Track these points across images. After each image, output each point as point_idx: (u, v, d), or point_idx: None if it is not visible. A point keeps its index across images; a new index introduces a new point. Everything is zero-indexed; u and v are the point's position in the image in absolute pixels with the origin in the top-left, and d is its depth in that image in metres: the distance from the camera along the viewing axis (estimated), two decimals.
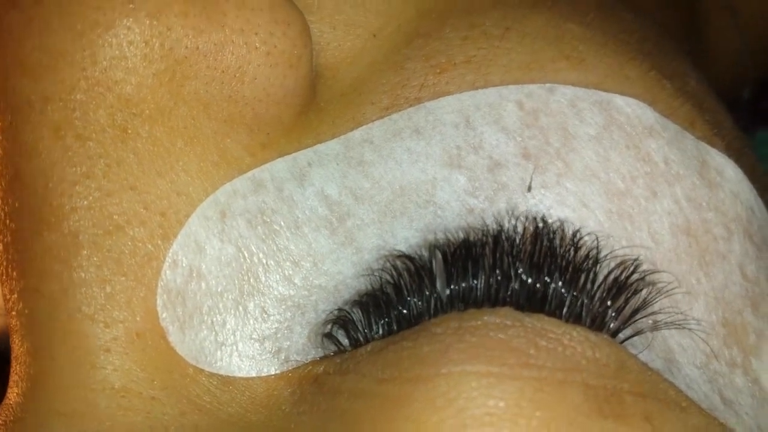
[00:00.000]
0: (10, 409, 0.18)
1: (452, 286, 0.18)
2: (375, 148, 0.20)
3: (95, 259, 0.18)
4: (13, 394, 0.19)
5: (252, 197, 0.19)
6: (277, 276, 0.19)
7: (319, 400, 0.18)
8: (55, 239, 0.18)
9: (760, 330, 0.20)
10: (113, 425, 0.17)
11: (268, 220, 0.19)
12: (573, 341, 0.17)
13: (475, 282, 0.18)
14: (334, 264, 0.19)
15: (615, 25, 0.22)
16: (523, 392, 0.16)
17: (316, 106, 0.21)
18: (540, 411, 0.16)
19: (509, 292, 0.18)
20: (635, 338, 0.19)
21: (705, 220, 0.20)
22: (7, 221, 0.18)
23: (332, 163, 0.20)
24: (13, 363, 0.19)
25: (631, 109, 0.20)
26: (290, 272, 0.19)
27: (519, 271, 0.18)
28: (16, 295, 0.18)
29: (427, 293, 0.19)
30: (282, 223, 0.19)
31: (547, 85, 0.20)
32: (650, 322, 0.19)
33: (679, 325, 0.19)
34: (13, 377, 0.19)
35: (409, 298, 0.19)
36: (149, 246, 0.18)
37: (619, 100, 0.20)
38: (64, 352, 0.18)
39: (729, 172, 0.21)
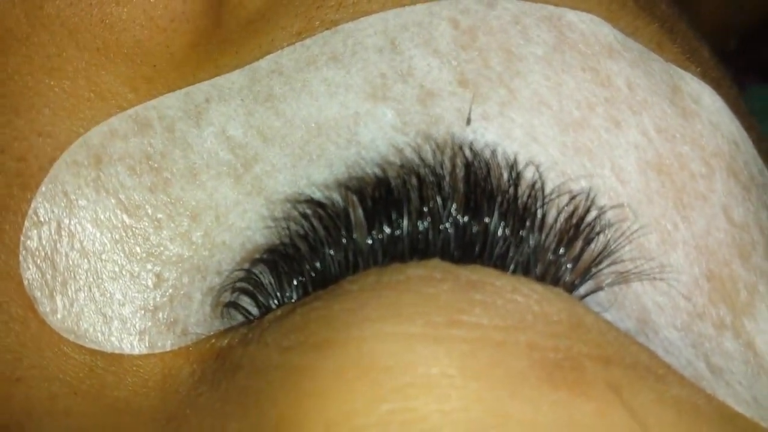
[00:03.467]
0: None
1: (373, 235, 0.15)
2: (285, 80, 0.17)
3: None
4: None
5: (134, 139, 0.16)
6: (171, 233, 0.16)
7: (219, 378, 0.15)
8: None
9: (751, 284, 0.17)
10: None
11: (157, 166, 0.16)
12: (516, 294, 0.14)
13: (399, 230, 0.15)
14: (240, 218, 0.16)
15: None
16: (452, 357, 0.13)
17: (217, 37, 0.18)
18: (474, 380, 0.13)
19: (440, 241, 0.15)
20: (599, 294, 0.16)
21: (679, 155, 0.17)
22: None
23: (235, 98, 0.17)
24: None
25: (586, 26, 0.17)
26: (186, 228, 0.16)
27: (451, 213, 0.15)
28: None
29: (345, 245, 0.15)
30: (174, 170, 0.16)
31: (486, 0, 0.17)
32: (615, 273, 0.16)
33: (652, 275, 0.16)
34: None
35: (324, 251, 0.16)
36: (5, 198, 0.15)
37: (572, 15, 0.17)
38: None
39: (706, 100, 0.18)
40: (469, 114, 0.16)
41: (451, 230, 0.15)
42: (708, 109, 0.18)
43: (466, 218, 0.15)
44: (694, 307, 0.17)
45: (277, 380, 0.14)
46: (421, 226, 0.15)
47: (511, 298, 0.14)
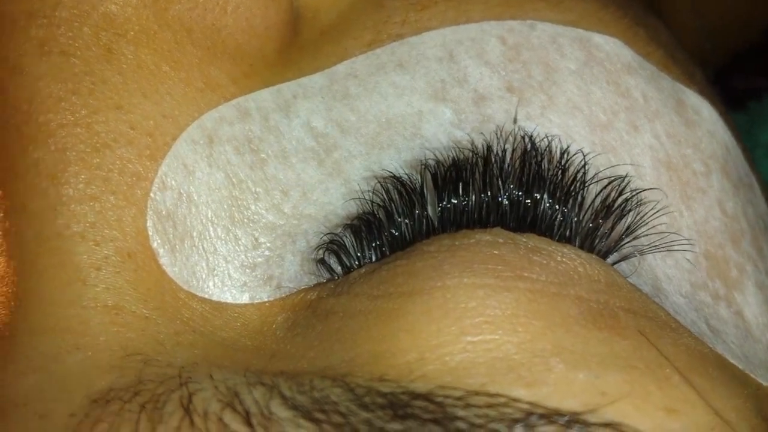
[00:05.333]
0: None
1: (443, 205, 0.19)
2: (360, 82, 0.20)
3: (83, 176, 0.18)
4: None
5: (238, 125, 0.19)
6: (267, 204, 0.19)
7: (313, 323, 0.18)
8: (41, 156, 0.18)
9: (741, 265, 0.21)
10: (107, 341, 0.17)
11: (256, 148, 0.19)
12: (565, 257, 0.18)
13: (466, 203, 0.18)
14: (323, 194, 0.19)
15: None
16: (519, 302, 0.16)
17: (297, 44, 0.21)
18: (537, 320, 0.16)
19: (499, 213, 0.18)
20: (622, 263, 0.19)
21: (684, 156, 0.21)
22: None
23: (317, 96, 0.20)
24: None
25: (610, 47, 0.21)
26: (279, 201, 0.19)
27: (509, 191, 0.18)
28: (1, 214, 0.18)
29: (418, 214, 0.19)
30: (269, 152, 0.19)
31: (528, 21, 0.20)
32: (637, 245, 0.19)
33: (667, 248, 0.20)
34: None
35: (399, 220, 0.19)
36: (138, 166, 0.18)
37: (598, 38, 0.21)
38: (53, 270, 0.18)
39: (705, 112, 0.22)
40: (516, 115, 0.20)
41: (507, 203, 0.18)
42: (706, 120, 0.22)
43: (520, 194, 0.18)
44: (695, 279, 0.20)
45: (372, 321, 0.17)
46: (484, 199, 0.18)
47: (560, 261, 0.17)
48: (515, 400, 0.15)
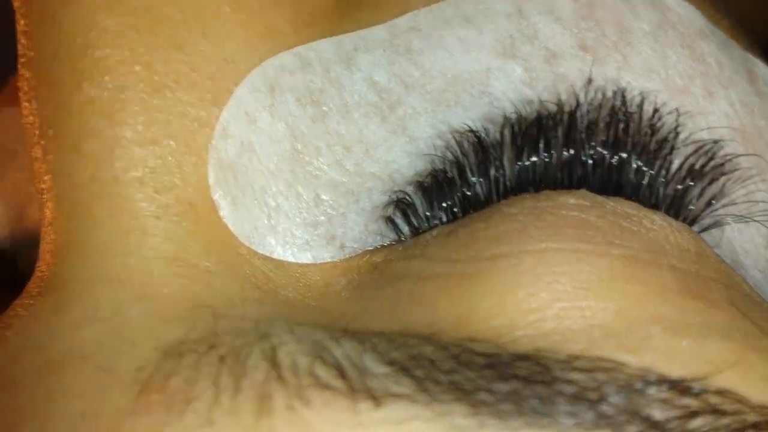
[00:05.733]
0: (42, 281, 0.17)
1: (521, 164, 0.18)
2: (423, 36, 0.19)
3: (142, 117, 0.17)
4: (44, 264, 0.17)
5: (300, 75, 0.18)
6: (329, 159, 0.18)
7: (382, 285, 0.17)
8: (97, 93, 0.16)
9: None
10: (172, 293, 0.16)
11: (317, 100, 0.18)
12: (655, 225, 0.17)
13: (547, 159, 0.18)
14: (387, 152, 0.18)
15: None
16: (615, 268, 0.16)
17: None
18: (633, 286, 0.15)
19: (582, 174, 0.18)
20: (704, 234, 0.19)
21: (758, 127, 0.20)
22: (41, 72, 0.17)
23: (378, 49, 0.19)
24: (45, 232, 0.17)
25: (682, 10, 0.20)
26: (341, 157, 0.18)
27: (594, 149, 0.18)
28: (52, 156, 0.17)
29: (494, 174, 0.18)
30: (331, 105, 0.18)
31: None
32: (722, 215, 0.18)
33: (750, 219, 0.19)
34: (45, 246, 0.17)
35: (473, 179, 0.18)
36: (200, 111, 0.17)
37: (670, 1, 0.20)
38: (110, 217, 0.16)
39: None
40: (591, 74, 0.19)
41: (591, 163, 0.18)
42: None
43: (605, 152, 0.18)
44: None
45: (452, 284, 0.16)
46: (566, 157, 0.18)
47: (650, 228, 0.17)
48: (623, 364, 0.14)
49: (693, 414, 0.13)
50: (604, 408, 0.13)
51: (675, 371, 0.14)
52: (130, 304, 0.16)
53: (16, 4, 0.17)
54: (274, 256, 0.18)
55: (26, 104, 0.17)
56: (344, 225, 0.18)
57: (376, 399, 0.13)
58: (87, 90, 0.16)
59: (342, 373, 0.14)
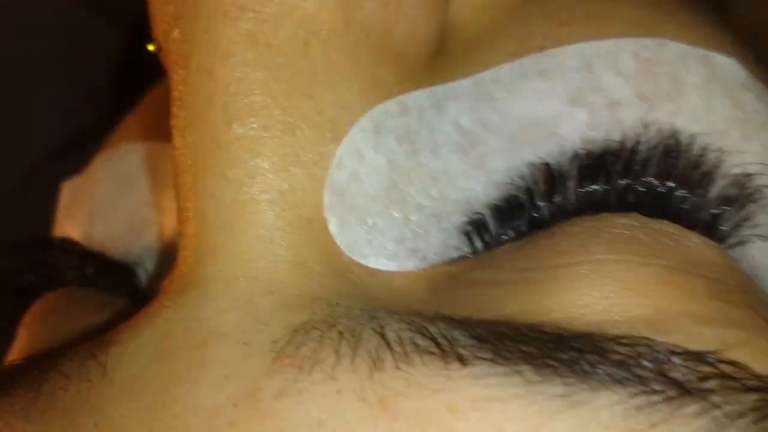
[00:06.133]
0: (185, 279, 0.20)
1: (584, 189, 0.21)
2: (503, 87, 0.22)
3: (278, 152, 0.20)
4: (184, 267, 0.21)
5: (400, 118, 0.22)
6: (418, 187, 0.22)
7: (456, 289, 0.21)
8: (243, 132, 0.20)
9: None
10: (295, 288, 0.20)
11: (412, 139, 0.22)
12: (691, 242, 0.20)
13: (606, 187, 0.21)
14: (466, 181, 0.22)
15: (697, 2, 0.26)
16: (658, 275, 0.19)
17: (445, 53, 0.23)
18: (669, 289, 0.19)
19: (634, 199, 0.21)
20: (730, 251, 0.22)
21: None
22: (197, 113, 0.21)
23: (465, 97, 0.22)
24: (185, 241, 0.21)
25: (728, 66, 0.23)
26: (428, 185, 0.22)
27: (645, 176, 0.21)
28: (201, 181, 0.21)
29: (559, 200, 0.21)
30: (423, 144, 0.22)
31: (659, 39, 0.23)
32: (746, 235, 0.22)
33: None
34: (186, 252, 0.21)
35: (541, 203, 0.21)
36: (322, 147, 0.21)
37: (718, 58, 0.23)
38: (246, 229, 0.20)
39: None
40: (646, 119, 0.22)
41: (643, 190, 0.21)
42: None
43: (656, 182, 0.21)
44: None
45: (519, 288, 0.19)
46: (622, 184, 0.21)
47: (688, 245, 0.20)
48: (656, 342, 0.17)
49: (707, 377, 0.17)
50: (638, 370, 0.17)
51: (696, 347, 0.18)
52: (262, 296, 0.20)
53: (172, 58, 0.21)
54: (369, 264, 0.21)
55: (180, 139, 0.21)
56: (427, 241, 0.22)
57: (464, 360, 0.17)
58: (235, 128, 0.20)
59: (436, 343, 0.18)
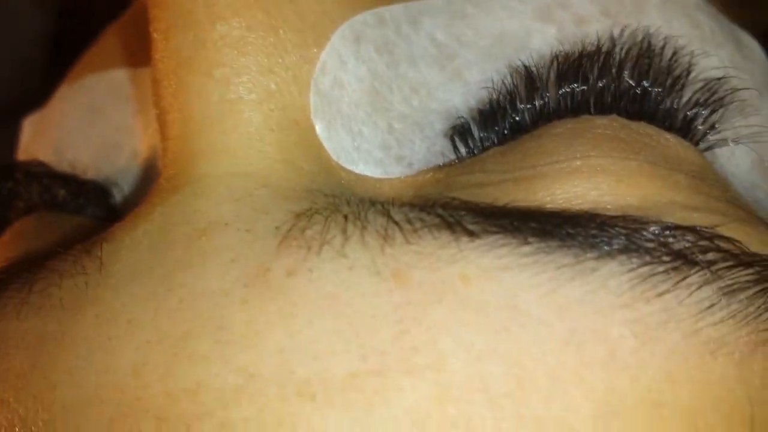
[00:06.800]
0: (175, 179, 0.21)
1: (563, 92, 0.22)
2: (475, 4, 0.23)
3: (262, 51, 0.21)
4: (171, 168, 0.21)
5: (378, 29, 0.22)
6: (399, 97, 0.22)
7: (445, 193, 0.21)
8: (228, 31, 0.20)
9: None
10: (290, 182, 0.20)
11: (391, 50, 0.22)
12: (669, 143, 0.21)
13: (584, 88, 0.22)
14: (445, 93, 0.23)
15: None
16: (642, 167, 0.20)
17: None
18: (654, 180, 0.20)
19: (612, 101, 0.22)
20: (706, 153, 0.23)
21: (744, 80, 0.25)
22: (180, 15, 0.21)
23: (439, 14, 0.23)
24: (169, 144, 0.21)
25: None
26: (409, 95, 0.22)
27: (623, 77, 0.22)
28: (188, 80, 0.21)
29: (539, 102, 0.22)
30: (401, 55, 0.23)
31: None
32: (721, 138, 0.23)
33: (753, 140, 0.23)
34: (171, 155, 0.21)
35: (521, 106, 0.22)
36: (305, 50, 0.21)
37: None
38: (235, 128, 0.20)
39: (757, 51, 0.26)
40: (612, 33, 0.23)
41: (620, 91, 0.22)
42: (759, 58, 0.26)
43: (632, 82, 0.22)
44: (753, 179, 0.24)
45: (510, 186, 0.20)
46: (599, 85, 0.22)
47: (666, 145, 0.21)
48: (654, 220, 0.18)
49: (708, 249, 0.18)
50: (642, 241, 0.18)
51: (690, 223, 0.18)
52: (258, 188, 0.20)
53: None
54: (356, 170, 0.22)
55: (162, 41, 0.21)
56: (411, 148, 0.22)
57: (473, 234, 0.18)
58: (220, 28, 0.21)
59: (445, 220, 0.18)
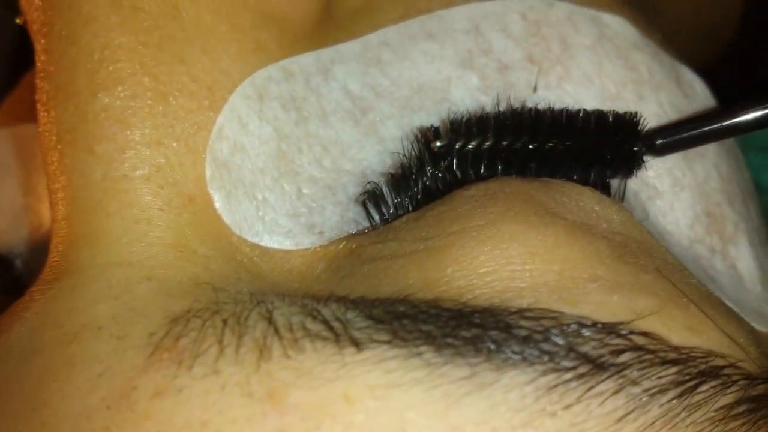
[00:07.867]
0: (57, 268, 0.19)
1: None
2: (392, 50, 0.22)
3: (150, 122, 0.19)
4: (57, 254, 0.19)
5: (284, 84, 0.21)
6: (309, 158, 0.21)
7: (358, 266, 0.19)
8: (111, 101, 0.19)
9: (735, 222, 0.23)
10: (176, 273, 0.18)
11: (299, 106, 0.21)
12: (584, 198, 0.20)
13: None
14: (359, 152, 0.21)
15: None
16: (558, 236, 0.18)
17: (332, 20, 0.22)
18: (574, 251, 0.18)
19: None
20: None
21: None
22: (60, 84, 0.19)
23: (353, 61, 0.21)
24: (58, 227, 0.19)
25: (618, 26, 0.23)
26: (320, 156, 0.21)
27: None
28: (68, 158, 0.19)
29: (446, 163, 0.20)
30: (311, 111, 0.21)
31: (546, 0, 0.22)
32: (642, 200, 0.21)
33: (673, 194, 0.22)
34: (58, 239, 0.19)
35: (431, 170, 0.20)
36: (199, 116, 0.19)
37: (607, 18, 0.23)
38: (120, 210, 0.19)
39: (698, 88, 0.24)
40: (536, 83, 0.22)
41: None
42: (700, 95, 0.24)
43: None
44: (695, 234, 0.22)
45: (422, 257, 0.18)
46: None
47: (584, 201, 0.19)
48: (563, 314, 0.16)
49: (621, 350, 0.16)
50: (546, 346, 0.16)
51: (607, 318, 0.17)
52: (139, 283, 0.18)
53: (35, 27, 0.20)
54: (261, 243, 0.20)
55: (44, 114, 0.20)
56: (322, 215, 0.20)
57: (359, 344, 0.16)
58: (102, 98, 0.19)
59: (329, 327, 0.16)
